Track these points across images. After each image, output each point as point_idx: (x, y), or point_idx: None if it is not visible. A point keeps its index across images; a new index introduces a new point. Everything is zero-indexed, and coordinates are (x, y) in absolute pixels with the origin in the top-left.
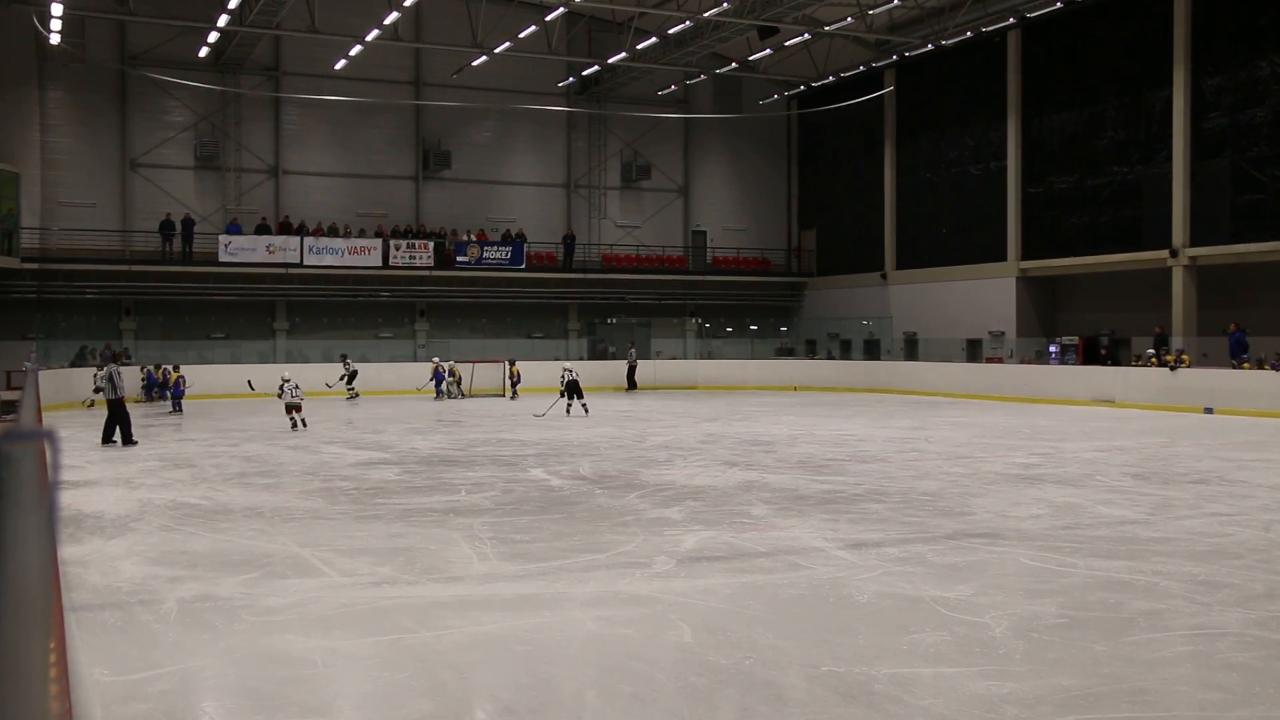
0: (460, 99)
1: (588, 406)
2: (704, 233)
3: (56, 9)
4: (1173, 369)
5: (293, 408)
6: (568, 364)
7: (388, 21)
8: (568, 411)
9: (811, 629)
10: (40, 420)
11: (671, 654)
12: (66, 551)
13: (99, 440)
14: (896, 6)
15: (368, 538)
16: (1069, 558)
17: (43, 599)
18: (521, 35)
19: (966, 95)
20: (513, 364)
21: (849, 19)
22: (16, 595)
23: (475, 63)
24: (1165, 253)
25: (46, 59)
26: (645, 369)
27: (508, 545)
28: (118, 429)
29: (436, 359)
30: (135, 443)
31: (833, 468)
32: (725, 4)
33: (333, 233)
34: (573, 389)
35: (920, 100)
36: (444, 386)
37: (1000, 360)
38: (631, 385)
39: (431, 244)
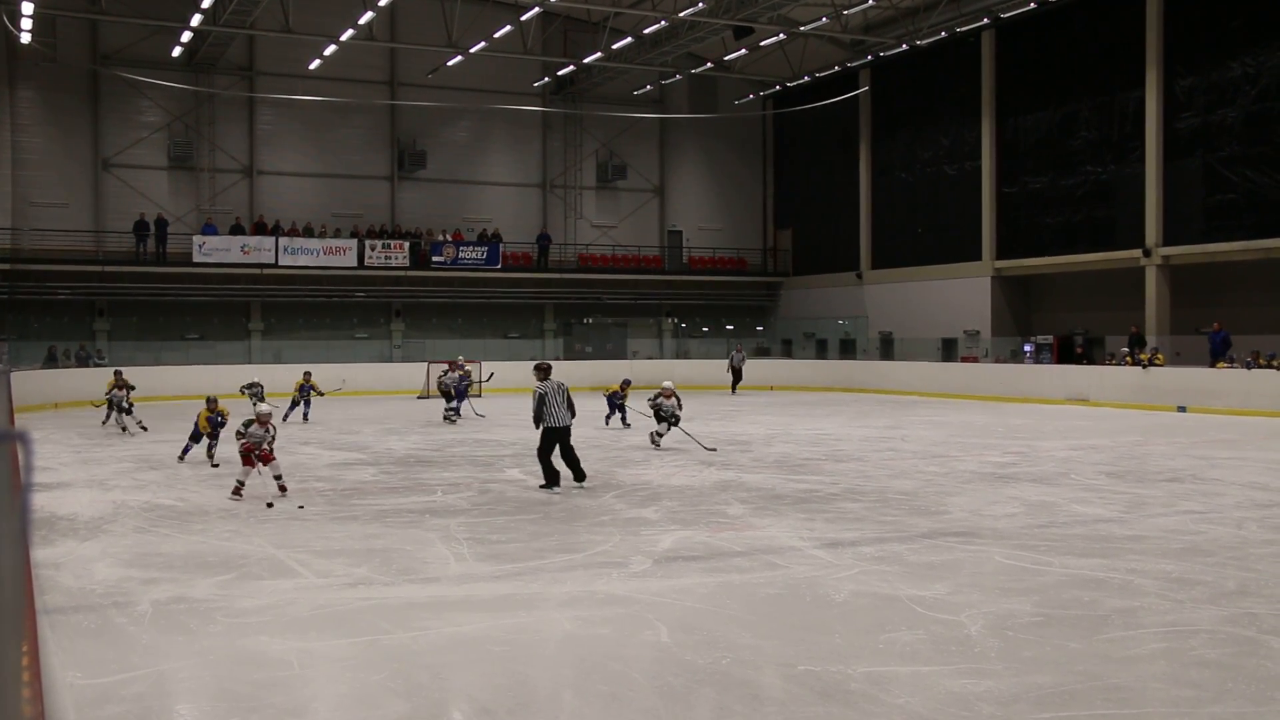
0: (435, 99)
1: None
2: (680, 233)
3: (27, 8)
4: (1145, 368)
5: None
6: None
7: (362, 21)
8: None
9: (788, 628)
10: (12, 422)
11: (648, 654)
12: (39, 554)
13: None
14: (871, 7)
15: (344, 539)
16: (1044, 556)
17: (15, 602)
18: (497, 35)
19: (941, 95)
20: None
21: (824, 19)
22: None
23: (450, 63)
24: (1138, 252)
25: (17, 58)
26: (619, 370)
27: (484, 546)
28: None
29: (462, 357)
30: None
31: (809, 467)
32: (700, 4)
33: (308, 233)
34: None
35: (895, 100)
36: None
37: (975, 359)
38: (734, 389)
39: (407, 244)
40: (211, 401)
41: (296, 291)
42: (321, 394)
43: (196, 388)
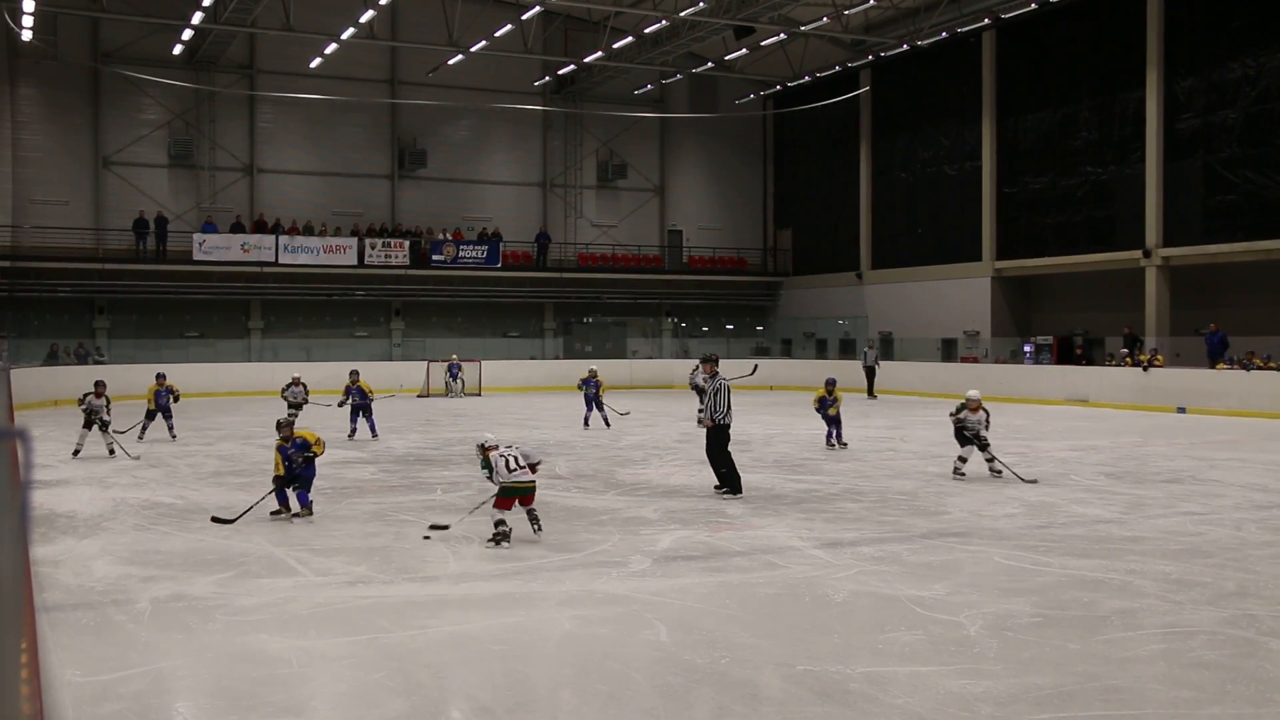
0: (436, 98)
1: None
2: (680, 232)
3: (28, 5)
4: (1145, 369)
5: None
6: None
7: (363, 20)
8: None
9: (787, 628)
10: (12, 419)
11: (647, 653)
12: (39, 551)
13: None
14: (872, 7)
15: (343, 537)
16: (1043, 557)
17: (14, 599)
18: (498, 34)
19: (941, 96)
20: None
21: (825, 19)
22: None
23: (451, 61)
24: (1138, 253)
25: (18, 56)
26: (619, 369)
27: (483, 544)
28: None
29: (456, 355)
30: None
31: (808, 467)
32: (701, 4)
33: (308, 231)
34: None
35: (896, 100)
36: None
37: (975, 360)
38: (871, 391)
39: (407, 243)
40: (283, 425)
41: (296, 290)
42: (371, 397)
43: (196, 386)
